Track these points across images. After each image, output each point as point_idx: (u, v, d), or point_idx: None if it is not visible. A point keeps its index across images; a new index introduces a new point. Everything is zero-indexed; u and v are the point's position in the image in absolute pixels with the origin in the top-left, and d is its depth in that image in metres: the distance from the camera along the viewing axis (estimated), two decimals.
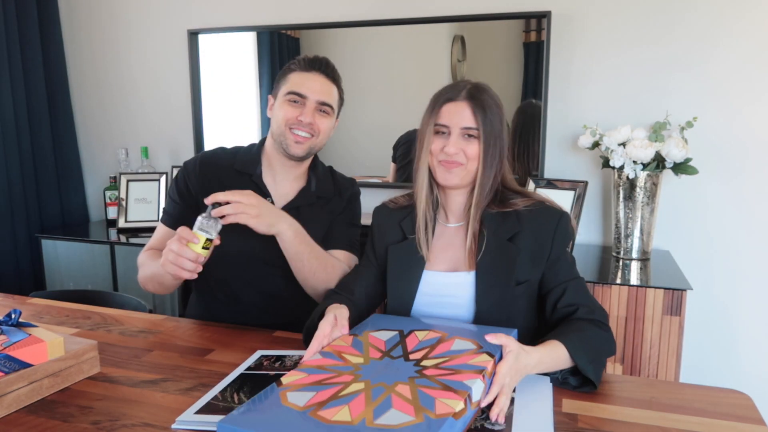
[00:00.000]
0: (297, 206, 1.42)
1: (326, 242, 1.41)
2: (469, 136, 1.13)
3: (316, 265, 1.29)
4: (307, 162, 1.45)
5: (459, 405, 0.77)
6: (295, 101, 1.34)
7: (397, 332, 1.02)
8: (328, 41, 2.42)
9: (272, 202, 1.40)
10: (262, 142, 1.46)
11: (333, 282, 1.30)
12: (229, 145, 1.49)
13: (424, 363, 0.90)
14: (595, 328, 1.05)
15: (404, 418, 0.74)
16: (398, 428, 0.72)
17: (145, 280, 1.35)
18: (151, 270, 1.31)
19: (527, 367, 0.92)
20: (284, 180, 1.43)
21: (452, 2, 2.22)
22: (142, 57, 2.70)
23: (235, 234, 1.22)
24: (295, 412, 0.76)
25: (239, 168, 1.41)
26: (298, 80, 1.35)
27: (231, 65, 2.57)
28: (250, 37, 2.52)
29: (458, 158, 1.13)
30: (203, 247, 1.11)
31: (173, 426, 0.84)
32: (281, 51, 2.50)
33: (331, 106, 1.38)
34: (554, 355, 0.97)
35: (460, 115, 1.12)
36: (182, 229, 1.13)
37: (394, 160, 2.40)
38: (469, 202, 1.19)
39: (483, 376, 0.84)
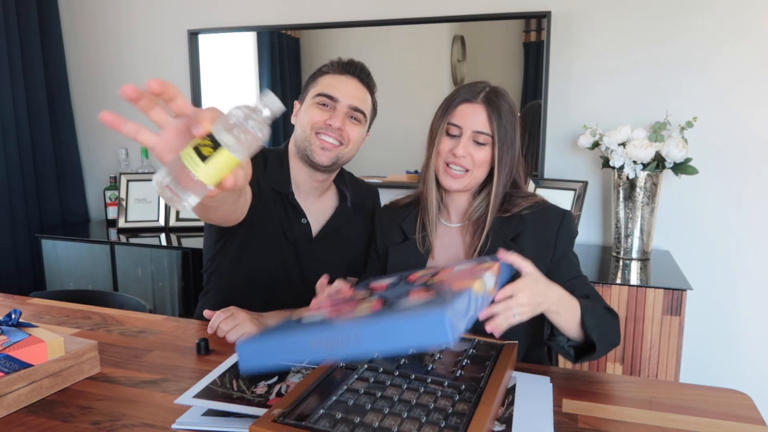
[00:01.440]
0: (337, 227, 1.33)
1: (355, 271, 1.32)
2: (480, 143, 1.12)
3: None
4: (333, 176, 1.33)
5: (476, 283, 0.77)
6: (324, 104, 1.23)
7: (397, 275, 1.02)
8: (327, 41, 2.42)
9: (308, 223, 1.31)
10: (286, 153, 1.32)
11: None
12: None
13: (431, 282, 0.89)
14: (605, 311, 1.05)
15: (422, 299, 0.74)
16: (417, 303, 0.72)
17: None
18: None
19: (547, 296, 0.91)
20: (312, 196, 1.32)
21: (452, 2, 2.22)
22: (143, 57, 2.70)
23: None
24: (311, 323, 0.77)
25: (274, 187, 1.28)
26: (330, 82, 1.25)
27: (231, 65, 2.57)
28: (250, 37, 2.52)
29: (465, 162, 1.12)
30: (195, 148, 0.62)
31: (173, 426, 0.84)
32: (281, 51, 2.50)
33: (363, 113, 1.26)
34: (571, 303, 0.96)
35: (474, 117, 1.11)
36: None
37: None
38: (471, 203, 1.19)
39: (493, 272, 0.85)
